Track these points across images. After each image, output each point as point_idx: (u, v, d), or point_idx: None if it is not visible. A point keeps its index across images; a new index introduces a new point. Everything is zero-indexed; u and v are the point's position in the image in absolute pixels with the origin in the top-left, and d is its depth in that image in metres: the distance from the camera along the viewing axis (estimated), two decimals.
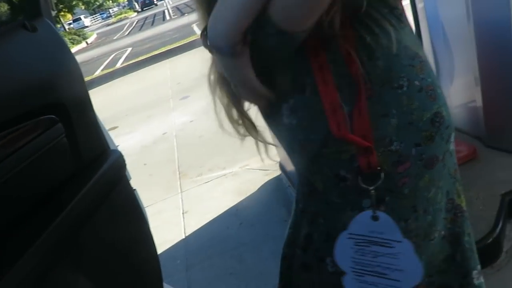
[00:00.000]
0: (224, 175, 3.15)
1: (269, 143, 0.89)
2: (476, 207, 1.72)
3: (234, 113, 0.86)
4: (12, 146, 0.87)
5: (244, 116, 0.86)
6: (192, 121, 4.62)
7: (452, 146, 0.83)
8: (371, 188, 0.76)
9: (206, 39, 0.71)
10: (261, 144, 0.89)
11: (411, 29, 0.81)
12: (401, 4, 0.78)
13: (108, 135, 1.26)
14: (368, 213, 0.78)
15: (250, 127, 0.87)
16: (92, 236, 1.00)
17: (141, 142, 4.62)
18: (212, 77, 0.85)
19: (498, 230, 1.59)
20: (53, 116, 0.96)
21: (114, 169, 1.05)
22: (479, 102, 2.13)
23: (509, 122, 2.00)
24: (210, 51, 0.73)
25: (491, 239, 1.56)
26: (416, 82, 0.74)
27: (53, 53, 1.01)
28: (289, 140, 0.82)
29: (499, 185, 1.80)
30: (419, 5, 2.34)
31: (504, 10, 1.76)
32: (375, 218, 0.78)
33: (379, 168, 0.75)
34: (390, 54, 0.73)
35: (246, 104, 0.86)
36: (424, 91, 0.75)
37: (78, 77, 1.03)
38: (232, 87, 0.79)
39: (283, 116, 0.79)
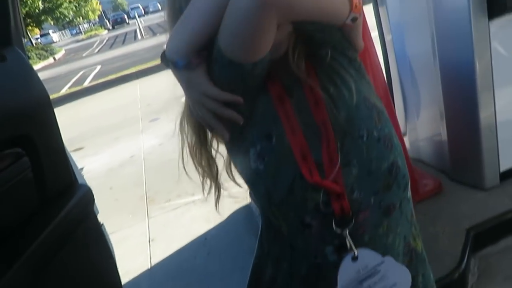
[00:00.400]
0: (193, 201, 3.10)
1: (219, 192, 0.90)
2: (442, 242, 1.76)
3: (198, 152, 0.86)
4: None
5: (206, 156, 0.87)
6: (161, 144, 4.56)
7: (408, 194, 0.86)
8: (345, 231, 0.78)
9: (165, 57, 0.75)
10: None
11: (368, 80, 0.84)
12: (359, 56, 0.82)
13: (77, 168, 1.23)
14: (348, 258, 0.79)
15: (210, 170, 0.87)
16: (57, 272, 0.96)
17: (107, 164, 4.50)
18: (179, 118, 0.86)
19: (463, 265, 1.62)
20: (19, 149, 0.92)
21: (82, 205, 1.01)
22: (444, 136, 2.20)
23: (472, 156, 2.07)
24: (167, 66, 0.76)
25: (456, 275, 1.59)
26: (375, 133, 0.77)
27: (22, 84, 0.98)
28: (256, 184, 0.83)
29: (463, 219, 1.85)
30: (387, 37, 2.41)
31: (468, 50, 1.84)
32: (354, 258, 0.79)
33: (351, 212, 0.77)
34: (351, 105, 0.76)
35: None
36: (382, 141, 0.78)
37: (47, 108, 0.99)
38: (192, 109, 0.79)
39: (250, 160, 0.80)
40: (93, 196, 1.06)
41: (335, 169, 0.75)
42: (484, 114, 1.93)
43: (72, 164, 1.10)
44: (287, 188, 0.77)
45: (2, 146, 0.90)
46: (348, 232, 0.78)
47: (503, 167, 2.03)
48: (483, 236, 1.79)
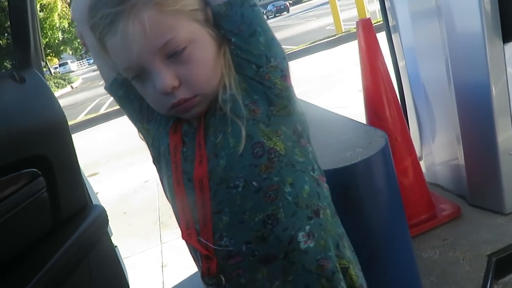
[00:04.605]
0: None
1: None
2: (463, 268, 1.70)
3: None
4: None
5: None
6: None
7: (305, 246, 0.78)
8: None
9: None
10: None
11: (290, 109, 0.78)
12: (287, 80, 0.77)
13: (92, 189, 1.23)
14: None
15: None
16: None
17: (121, 189, 4.52)
18: None
19: None
20: (35, 169, 0.93)
21: (96, 226, 1.01)
22: (461, 160, 2.17)
23: (490, 181, 2.02)
24: None
25: None
26: (254, 183, 0.73)
27: (40, 105, 1.00)
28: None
29: (484, 245, 1.80)
30: (401, 63, 2.42)
31: (483, 74, 1.83)
32: None
33: (219, 274, 0.76)
34: (234, 154, 0.73)
35: None
36: (262, 191, 0.73)
37: (64, 130, 1.00)
38: None
39: (165, 187, 0.85)
40: (107, 217, 1.06)
41: (208, 232, 0.75)
42: (501, 138, 1.90)
43: (87, 185, 1.10)
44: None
45: (19, 166, 0.91)
46: (223, 274, 0.76)
47: None
48: (505, 262, 1.73)
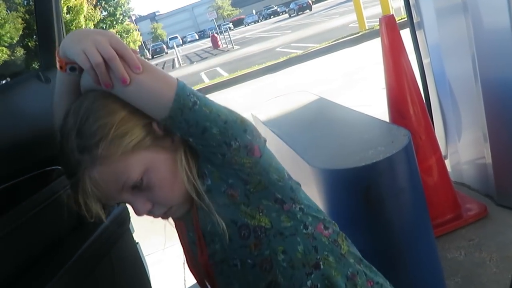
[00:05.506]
0: None
1: None
2: (489, 269, 1.66)
3: None
4: (16, 197, 0.86)
5: None
6: None
7: None
8: None
9: None
10: None
11: (265, 182, 0.78)
12: (255, 152, 0.75)
13: None
14: None
15: None
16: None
17: None
18: None
19: None
20: (59, 167, 0.95)
21: (118, 223, 1.03)
22: (488, 159, 2.12)
23: None
24: None
25: None
26: (249, 261, 0.79)
27: None
28: None
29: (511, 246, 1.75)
30: (425, 61, 2.38)
31: (511, 70, 1.78)
32: None
33: None
34: (224, 240, 0.78)
35: None
36: (257, 266, 0.80)
37: None
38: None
39: None
40: (129, 214, 1.07)
41: None
42: None
43: None
44: None
45: (44, 164, 0.93)
46: None
47: None
48: None
